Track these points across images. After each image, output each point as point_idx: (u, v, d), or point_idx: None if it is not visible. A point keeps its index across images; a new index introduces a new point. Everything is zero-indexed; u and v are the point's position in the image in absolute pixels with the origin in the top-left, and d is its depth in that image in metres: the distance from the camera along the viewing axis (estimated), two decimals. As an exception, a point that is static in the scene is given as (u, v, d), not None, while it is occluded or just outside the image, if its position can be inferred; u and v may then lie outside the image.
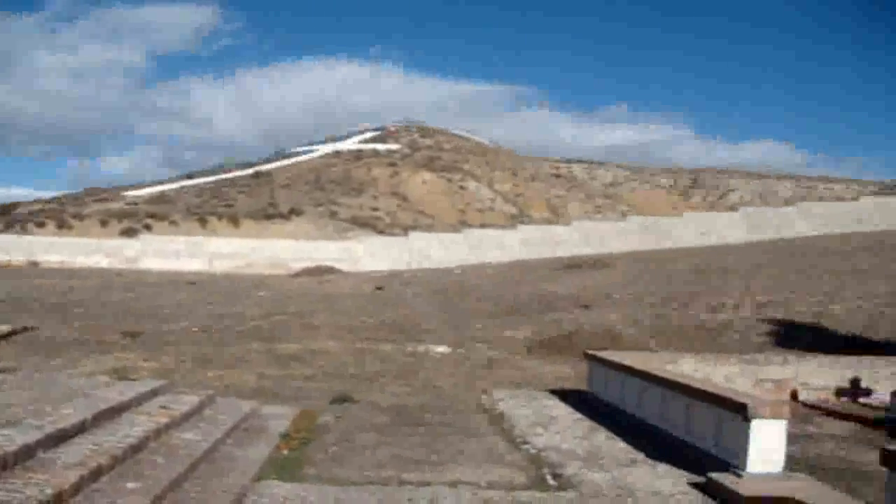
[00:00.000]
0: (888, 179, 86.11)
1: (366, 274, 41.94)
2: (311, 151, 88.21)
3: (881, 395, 13.97)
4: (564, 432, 10.95)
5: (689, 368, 14.53)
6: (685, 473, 8.68)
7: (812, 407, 13.85)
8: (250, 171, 78.55)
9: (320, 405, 12.27)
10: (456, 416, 11.88)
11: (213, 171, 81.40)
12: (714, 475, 8.14)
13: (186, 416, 9.30)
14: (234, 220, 56.70)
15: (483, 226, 60.22)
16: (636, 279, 31.43)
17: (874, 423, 12.48)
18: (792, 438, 8.98)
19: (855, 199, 52.72)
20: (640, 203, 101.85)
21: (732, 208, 59.30)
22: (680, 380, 10.61)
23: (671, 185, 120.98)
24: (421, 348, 19.57)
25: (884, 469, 6.13)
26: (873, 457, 9.51)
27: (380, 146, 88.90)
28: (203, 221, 56.66)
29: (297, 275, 44.18)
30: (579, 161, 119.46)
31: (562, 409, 12.80)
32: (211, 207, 61.28)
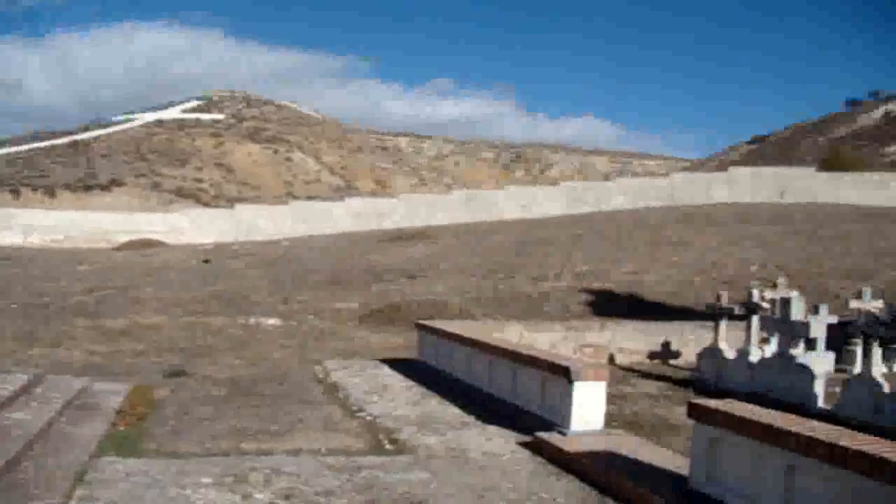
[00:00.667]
0: (696, 157, 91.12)
1: (192, 247, 40.97)
2: (132, 120, 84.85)
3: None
4: (398, 399, 11.31)
5: (514, 335, 15.22)
6: (514, 434, 9.21)
7: (627, 369, 14.81)
8: (66, 140, 74.86)
9: (154, 380, 12.13)
10: (291, 386, 12.03)
11: (25, 140, 77.00)
12: (541, 434, 8.69)
13: (15, 396, 9.05)
14: (51, 192, 54.12)
15: (310, 198, 59.94)
16: (461, 251, 32.19)
17: (681, 383, 13.53)
18: (610, 398, 9.66)
19: (666, 174, 55.60)
20: (464, 176, 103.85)
21: (553, 182, 61.40)
22: (506, 346, 11.16)
23: (494, 160, 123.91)
24: (252, 321, 19.51)
25: (690, 421, 6.78)
26: (680, 411, 10.36)
27: (204, 116, 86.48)
28: (16, 193, 53.77)
29: (120, 248, 42.67)
30: (405, 134, 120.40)
31: (394, 378, 13.16)
32: (24, 178, 58.13)
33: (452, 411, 10.57)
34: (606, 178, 66.61)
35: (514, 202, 49.64)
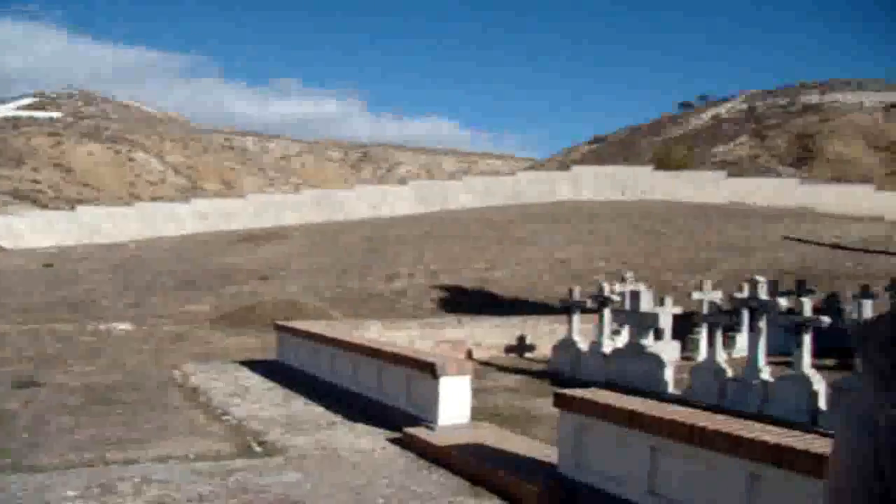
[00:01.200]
0: (539, 156, 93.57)
1: (31, 251, 39.01)
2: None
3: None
4: (261, 401, 11.23)
5: (374, 334, 15.32)
6: (383, 431, 9.32)
7: (485, 363, 15.14)
8: None
9: (2, 391, 11.59)
10: (151, 392, 11.73)
11: None
12: (409, 430, 8.83)
13: None
14: None
15: (154, 199, 58.19)
16: (313, 251, 32.01)
17: (538, 375, 13.96)
18: (472, 393, 9.90)
19: (512, 173, 56.76)
20: (311, 176, 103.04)
21: (401, 181, 61.75)
22: (370, 345, 11.27)
23: (342, 159, 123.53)
24: (103, 326, 18.83)
25: (555, 410, 7.07)
26: (540, 402, 10.76)
27: (40, 114, 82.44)
28: None
29: (-52, 254, 40.23)
30: (251, 133, 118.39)
31: (255, 379, 13.05)
32: None
33: (318, 411, 10.59)
34: (452, 176, 67.48)
35: (364, 201, 49.61)
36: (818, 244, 29.83)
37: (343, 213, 47.91)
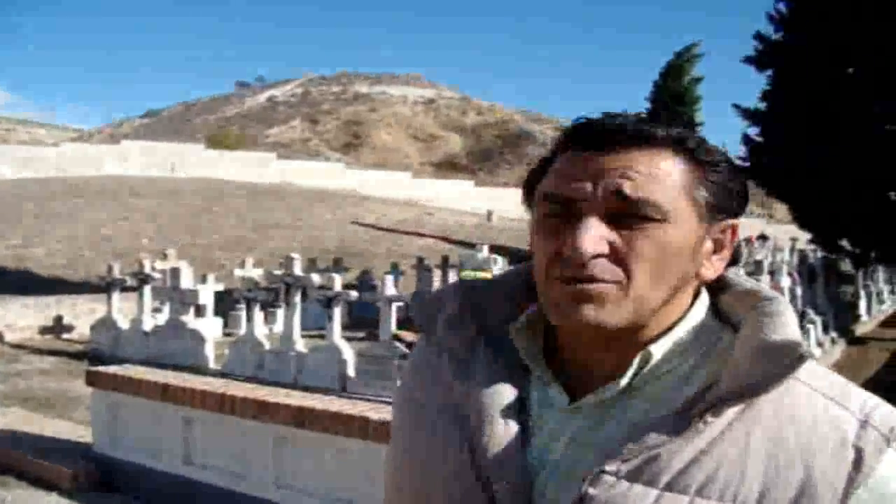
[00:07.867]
0: (88, 127, 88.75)
1: None
2: None
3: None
4: None
5: None
6: None
7: (18, 346, 14.33)
8: None
9: None
10: None
11: None
12: (-75, 418, 8.21)
13: None
14: None
15: None
16: None
17: (77, 356, 13.53)
18: (3, 377, 9.43)
19: (56, 144, 53.20)
20: None
21: (-78, 147, 54.97)
22: None
23: None
24: None
25: (90, 391, 7.03)
26: (78, 384, 10.48)
27: None
28: None
29: None
30: None
31: None
32: None
33: None
34: (-13, 145, 61.58)
35: None
36: (360, 224, 31.96)
37: None
